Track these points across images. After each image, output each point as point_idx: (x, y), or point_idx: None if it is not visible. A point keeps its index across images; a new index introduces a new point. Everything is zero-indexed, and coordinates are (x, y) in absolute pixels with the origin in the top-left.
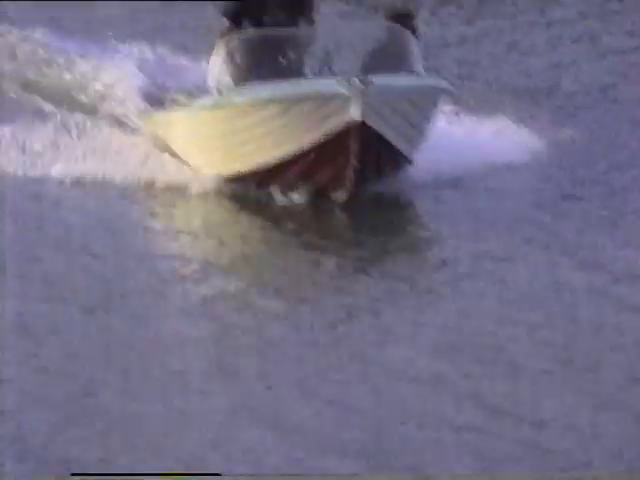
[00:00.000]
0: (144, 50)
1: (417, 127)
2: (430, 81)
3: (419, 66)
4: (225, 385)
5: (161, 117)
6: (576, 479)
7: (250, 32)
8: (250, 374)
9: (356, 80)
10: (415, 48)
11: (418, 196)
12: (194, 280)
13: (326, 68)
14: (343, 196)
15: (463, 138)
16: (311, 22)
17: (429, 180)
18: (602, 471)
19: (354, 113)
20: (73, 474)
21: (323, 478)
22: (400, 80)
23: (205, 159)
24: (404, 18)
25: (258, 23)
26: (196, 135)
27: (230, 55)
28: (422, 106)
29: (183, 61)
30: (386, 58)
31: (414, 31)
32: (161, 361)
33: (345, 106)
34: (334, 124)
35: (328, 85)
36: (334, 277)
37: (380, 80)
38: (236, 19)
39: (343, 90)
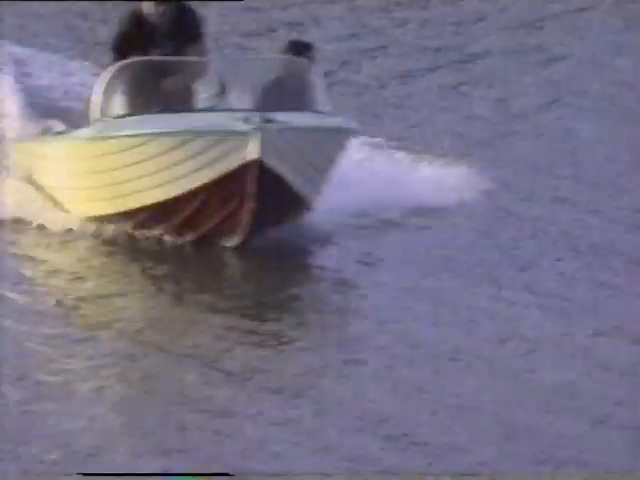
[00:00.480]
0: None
1: (320, 170)
2: (336, 121)
3: (323, 103)
4: None
5: (32, 147)
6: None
7: (134, 60)
8: None
9: (255, 116)
10: (319, 82)
11: (314, 244)
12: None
13: (220, 102)
14: (235, 241)
15: (384, 178)
16: (202, 52)
17: (332, 227)
18: (602, 472)
19: (252, 152)
20: (79, 473)
21: (328, 477)
22: (303, 118)
23: (78, 197)
24: (304, 49)
25: (145, 55)
26: (69, 170)
27: (112, 84)
28: (326, 148)
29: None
30: (287, 93)
31: (313, 62)
32: None
33: (242, 144)
34: (229, 163)
35: (223, 120)
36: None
37: (281, 117)
38: (122, 51)
39: (241, 127)
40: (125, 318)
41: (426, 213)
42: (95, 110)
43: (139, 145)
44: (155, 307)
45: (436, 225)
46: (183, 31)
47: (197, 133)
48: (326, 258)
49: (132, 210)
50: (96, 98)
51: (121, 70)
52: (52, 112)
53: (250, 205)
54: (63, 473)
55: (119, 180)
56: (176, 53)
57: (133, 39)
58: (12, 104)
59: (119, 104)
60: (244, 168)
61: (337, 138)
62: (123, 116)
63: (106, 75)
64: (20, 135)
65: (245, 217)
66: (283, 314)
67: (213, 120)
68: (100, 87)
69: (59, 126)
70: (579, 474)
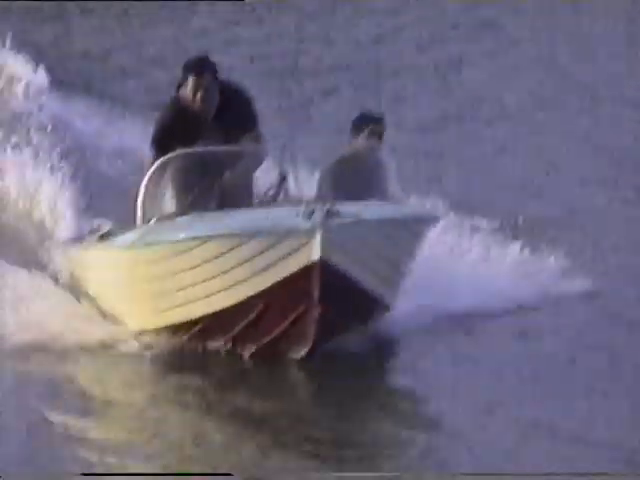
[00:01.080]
0: None
1: (395, 265)
2: (411, 209)
3: (394, 189)
4: None
5: (76, 253)
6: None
7: (179, 154)
8: None
9: (318, 209)
10: (389, 165)
11: (395, 350)
12: None
13: (280, 195)
14: (303, 352)
15: (470, 269)
16: (257, 139)
17: (412, 327)
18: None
19: (314, 252)
20: (83, 474)
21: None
22: (373, 209)
23: (129, 309)
24: (374, 123)
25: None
26: (116, 281)
27: (155, 182)
28: (401, 240)
29: None
30: (355, 180)
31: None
32: None
33: (303, 243)
34: (289, 266)
35: (282, 217)
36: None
37: (348, 209)
38: (165, 147)
39: (300, 224)
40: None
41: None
42: (140, 212)
43: (187, 250)
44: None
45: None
46: (233, 118)
47: (253, 232)
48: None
49: (184, 322)
50: (141, 199)
51: (165, 166)
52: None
53: (315, 311)
54: (66, 473)
55: (167, 290)
56: (227, 144)
57: (176, 132)
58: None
59: (165, 204)
60: (306, 270)
61: (412, 229)
62: (170, 217)
63: (149, 173)
64: (68, 238)
65: (311, 325)
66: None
67: (268, 217)
68: (144, 187)
69: (106, 225)
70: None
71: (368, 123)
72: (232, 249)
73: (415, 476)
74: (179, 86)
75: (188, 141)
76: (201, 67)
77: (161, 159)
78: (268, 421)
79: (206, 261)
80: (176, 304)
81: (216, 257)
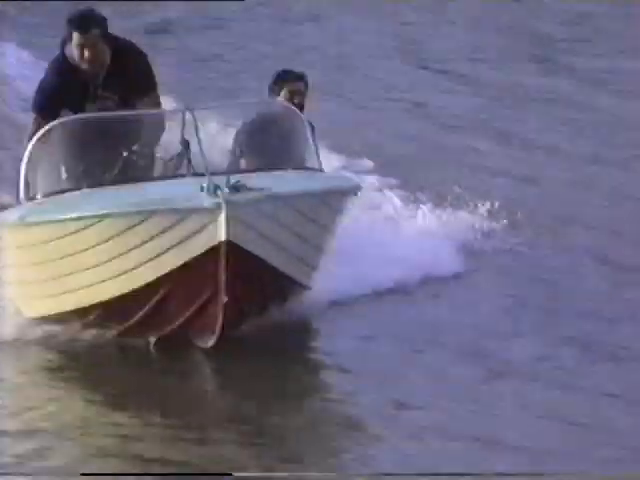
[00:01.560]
0: None
1: (311, 242)
2: (329, 180)
3: (314, 156)
4: None
5: None
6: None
7: (65, 121)
8: None
9: (221, 183)
10: (308, 132)
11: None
12: None
13: (183, 166)
14: (210, 342)
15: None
16: (154, 106)
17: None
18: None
19: (219, 232)
20: (82, 474)
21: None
22: (285, 182)
23: (19, 294)
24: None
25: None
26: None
27: (40, 154)
28: (318, 215)
29: None
30: (267, 149)
31: (301, 108)
32: None
33: (209, 222)
34: (193, 247)
35: (183, 193)
36: None
37: (256, 182)
38: (49, 112)
39: (203, 201)
40: None
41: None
42: (23, 187)
43: (75, 231)
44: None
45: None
46: (127, 79)
47: (151, 211)
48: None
49: (75, 310)
50: (23, 172)
51: (51, 133)
52: None
53: (222, 298)
54: (65, 473)
55: (54, 275)
56: (122, 109)
57: (63, 95)
58: None
59: (51, 178)
60: (211, 252)
61: (330, 202)
62: (57, 193)
63: (33, 142)
64: None
65: (218, 313)
66: None
67: (167, 193)
68: (27, 159)
69: None
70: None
71: (286, 80)
72: (126, 230)
73: (415, 476)
74: (63, 43)
75: (76, 105)
76: (87, 23)
77: (46, 126)
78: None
79: (97, 244)
80: (63, 290)
81: (108, 239)
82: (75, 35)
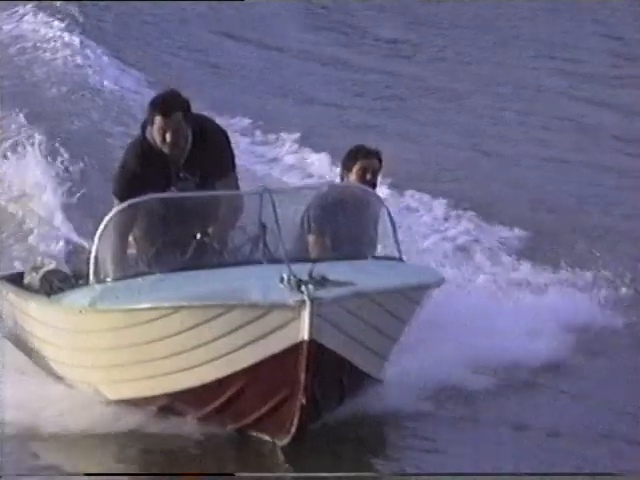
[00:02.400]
0: None
1: (391, 337)
2: (414, 276)
3: (392, 243)
4: None
5: (17, 299)
6: None
7: (142, 200)
8: None
9: (305, 277)
10: (388, 217)
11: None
12: None
13: (261, 250)
14: (285, 440)
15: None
16: (235, 185)
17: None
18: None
19: (303, 330)
20: (86, 474)
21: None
22: (368, 274)
23: (82, 375)
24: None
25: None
26: (66, 341)
27: (114, 233)
28: (400, 312)
29: None
30: (347, 235)
31: (374, 186)
32: None
33: (292, 319)
34: (272, 345)
35: (266, 286)
36: None
37: (339, 275)
38: (130, 195)
39: (289, 296)
40: None
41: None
42: (93, 267)
43: (148, 321)
44: None
45: None
46: (207, 160)
47: (226, 307)
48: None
49: (142, 398)
50: (94, 251)
51: (123, 215)
52: None
53: (301, 399)
54: (67, 473)
55: (123, 361)
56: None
57: (143, 178)
58: None
59: (124, 259)
60: (292, 351)
61: (414, 297)
62: (129, 277)
63: (106, 221)
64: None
65: (294, 413)
66: None
67: (249, 284)
68: (98, 240)
69: (50, 264)
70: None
71: (360, 157)
72: (203, 323)
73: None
74: (144, 125)
75: (157, 188)
76: (170, 106)
77: (120, 206)
78: None
79: (170, 335)
80: (132, 378)
81: (182, 331)
82: (157, 119)
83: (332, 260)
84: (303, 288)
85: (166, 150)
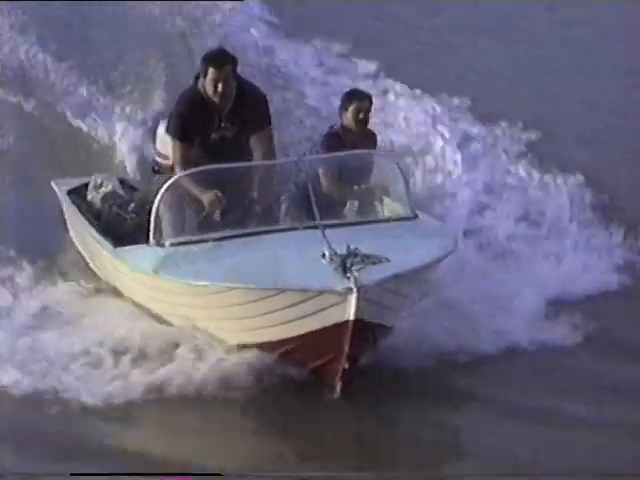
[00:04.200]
0: None
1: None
2: (439, 248)
3: (413, 206)
4: None
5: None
6: None
7: (195, 171)
8: None
9: (352, 265)
10: (399, 173)
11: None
12: None
13: (302, 216)
14: (333, 395)
15: None
16: (268, 140)
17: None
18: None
19: (349, 312)
20: (72, 474)
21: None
22: (401, 248)
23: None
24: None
25: (205, 141)
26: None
27: (170, 202)
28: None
29: None
30: (378, 200)
31: (366, 123)
32: None
33: (339, 302)
34: (321, 320)
35: (313, 270)
36: None
37: (375, 250)
38: (185, 137)
39: (336, 283)
40: None
41: None
42: (153, 228)
43: (208, 294)
44: None
45: None
46: (247, 114)
47: (279, 289)
48: None
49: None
50: (154, 217)
51: (177, 185)
52: None
53: (343, 363)
54: (55, 473)
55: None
56: (239, 139)
57: (195, 122)
58: None
59: (178, 228)
60: (338, 327)
61: (437, 268)
62: (184, 243)
63: (162, 191)
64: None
65: (337, 373)
66: None
67: (295, 265)
68: (157, 205)
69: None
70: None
71: (353, 99)
72: (256, 300)
73: (416, 476)
74: (197, 77)
75: (204, 132)
76: (222, 59)
77: (174, 177)
78: None
79: (229, 305)
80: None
81: (239, 304)
82: (211, 70)
83: (357, 225)
84: (349, 274)
85: (216, 99)
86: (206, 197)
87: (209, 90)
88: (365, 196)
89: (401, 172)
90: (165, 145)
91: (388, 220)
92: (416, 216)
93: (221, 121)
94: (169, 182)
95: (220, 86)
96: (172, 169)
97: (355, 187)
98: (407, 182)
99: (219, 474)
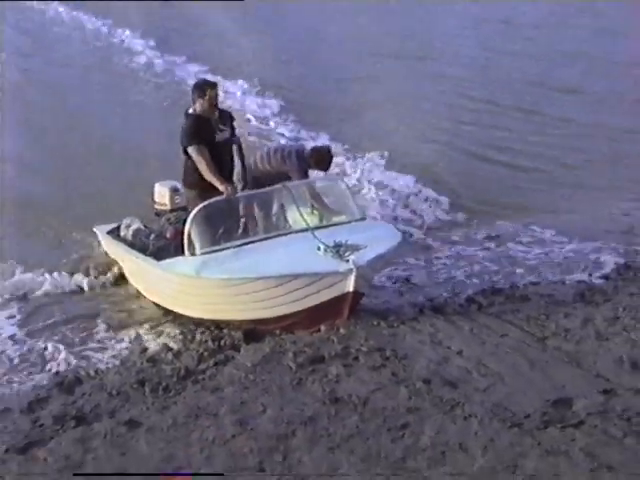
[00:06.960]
0: None
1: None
2: (394, 234)
3: (363, 210)
4: None
5: (123, 253)
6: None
7: (216, 201)
8: None
9: (351, 256)
10: (345, 188)
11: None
12: None
13: (282, 221)
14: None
15: None
16: (237, 137)
17: None
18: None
19: (349, 285)
20: (75, 474)
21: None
22: (373, 239)
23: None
24: (326, 156)
25: (212, 140)
26: (174, 290)
27: (199, 221)
28: (386, 260)
29: None
30: (337, 207)
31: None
32: None
33: (341, 280)
34: (327, 294)
35: (320, 260)
36: None
37: (357, 241)
38: (200, 141)
39: (340, 266)
40: None
41: None
42: (187, 242)
43: (237, 284)
44: None
45: None
46: (225, 117)
47: (295, 275)
48: None
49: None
50: (187, 234)
51: (205, 209)
52: None
53: (343, 324)
54: (70, 473)
55: (225, 306)
56: (231, 137)
57: (200, 130)
58: None
59: (207, 240)
60: (340, 298)
61: (399, 249)
62: (212, 251)
63: (193, 214)
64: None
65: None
66: None
67: (301, 256)
68: (189, 225)
69: (135, 223)
70: (580, 475)
71: (207, 88)
72: (276, 286)
73: (416, 476)
74: (193, 102)
75: (210, 136)
76: (212, 82)
77: (201, 205)
78: None
79: (256, 291)
80: (224, 311)
81: (265, 289)
82: (209, 91)
83: (330, 227)
84: (347, 259)
85: (210, 111)
86: (224, 188)
87: (209, 104)
88: (328, 208)
89: (347, 187)
90: (162, 196)
91: (350, 222)
92: (365, 218)
93: (218, 126)
94: (195, 210)
95: (214, 100)
96: (166, 212)
97: (323, 202)
98: (353, 193)
99: (219, 474)
